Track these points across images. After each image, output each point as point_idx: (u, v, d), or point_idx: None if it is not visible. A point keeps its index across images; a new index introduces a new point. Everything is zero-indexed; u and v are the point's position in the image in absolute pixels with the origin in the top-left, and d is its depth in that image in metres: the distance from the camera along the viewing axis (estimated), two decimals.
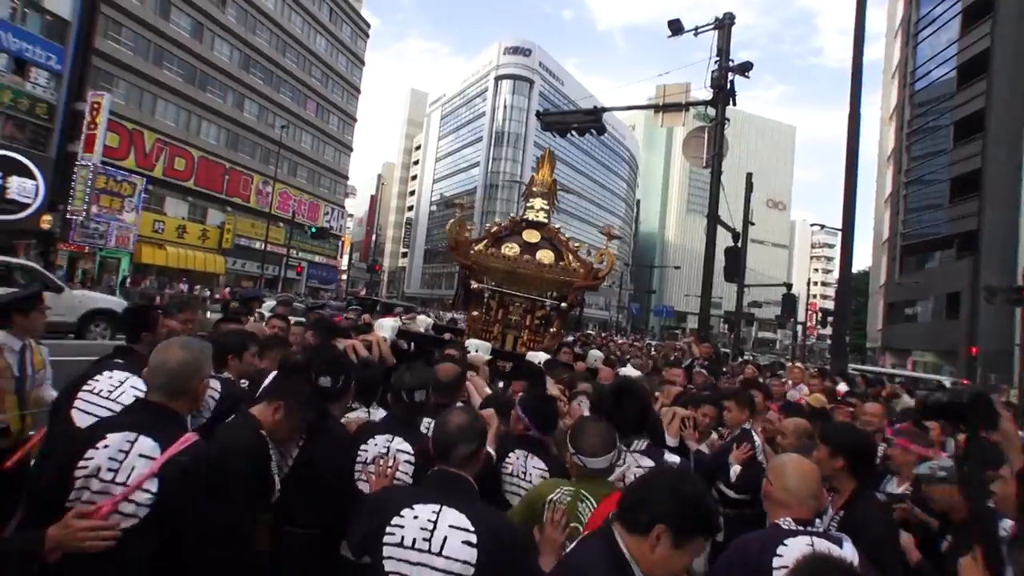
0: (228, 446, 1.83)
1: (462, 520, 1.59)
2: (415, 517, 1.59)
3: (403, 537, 1.57)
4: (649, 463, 2.37)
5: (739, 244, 14.20)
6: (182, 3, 33.53)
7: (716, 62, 11.90)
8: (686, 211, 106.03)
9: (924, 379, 19.46)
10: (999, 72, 28.81)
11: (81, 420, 2.12)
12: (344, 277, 56.25)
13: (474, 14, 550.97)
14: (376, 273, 59.86)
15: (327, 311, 11.47)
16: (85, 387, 2.25)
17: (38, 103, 23.83)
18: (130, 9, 29.94)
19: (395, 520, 1.60)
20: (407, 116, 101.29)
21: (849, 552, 1.66)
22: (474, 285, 5.28)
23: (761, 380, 6.64)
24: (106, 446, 1.51)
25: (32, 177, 23.06)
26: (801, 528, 1.72)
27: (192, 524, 1.51)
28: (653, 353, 11.43)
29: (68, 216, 25.07)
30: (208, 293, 28.78)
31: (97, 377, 2.30)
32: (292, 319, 5.17)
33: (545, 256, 5.32)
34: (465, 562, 1.54)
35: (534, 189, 5.67)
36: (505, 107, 72.15)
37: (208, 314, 8.60)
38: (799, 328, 41.34)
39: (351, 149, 52.99)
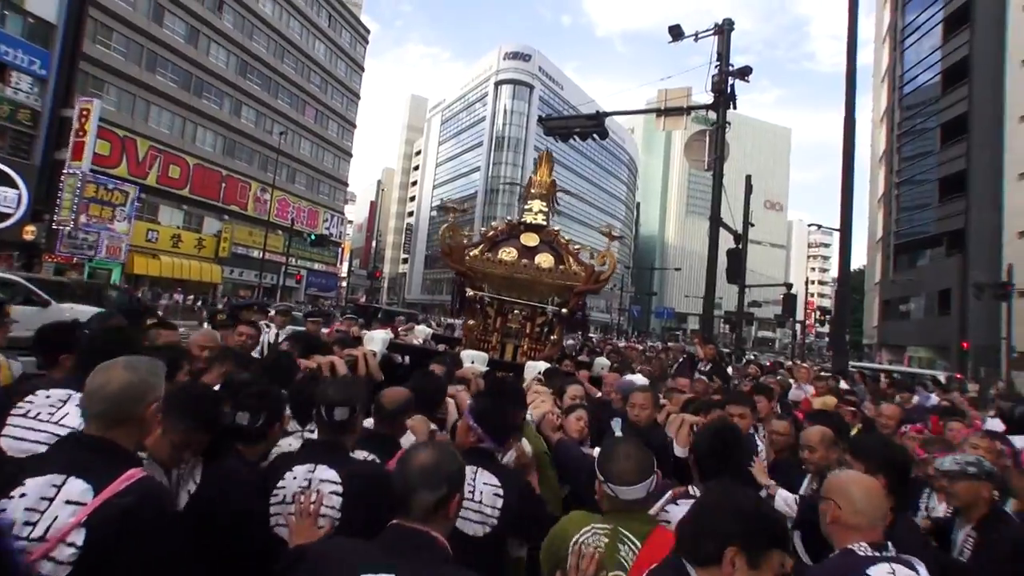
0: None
1: None
2: None
3: None
4: None
5: (741, 246, 14.19)
6: (176, 8, 33.30)
7: (716, 66, 11.99)
8: (685, 213, 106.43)
9: (919, 374, 19.42)
10: (979, 77, 30.00)
11: (15, 448, 1.77)
12: (344, 284, 56.00)
13: (474, 20, 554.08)
14: (377, 280, 59.63)
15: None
16: (16, 410, 1.86)
17: (20, 109, 23.17)
18: (121, 13, 29.68)
19: None
20: (407, 121, 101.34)
21: None
22: (469, 292, 5.03)
23: (768, 381, 6.42)
24: (23, 495, 1.26)
25: (13, 185, 22.26)
26: (878, 554, 1.56)
27: None
28: (660, 356, 11.24)
29: (54, 226, 24.37)
30: (200, 303, 28.47)
31: (30, 397, 1.90)
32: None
33: (544, 260, 5.07)
34: None
35: (532, 191, 5.44)
36: (505, 112, 72.30)
37: (205, 324, 8.34)
38: (798, 327, 41.56)
39: (351, 155, 52.83)
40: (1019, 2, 28.50)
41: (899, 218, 37.63)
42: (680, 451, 2.80)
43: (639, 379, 4.56)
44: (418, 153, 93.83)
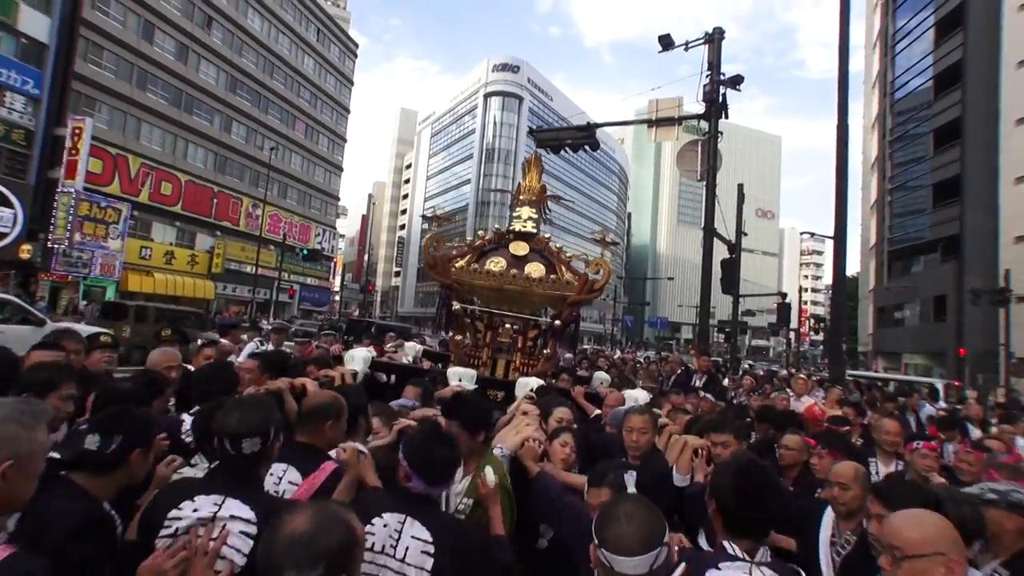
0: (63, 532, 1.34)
1: None
2: None
3: None
4: None
5: (734, 255, 14.07)
6: (166, 26, 33.31)
7: (707, 76, 11.94)
8: (677, 222, 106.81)
9: (916, 382, 19.35)
10: (973, 82, 29.99)
11: None
12: (337, 298, 55.68)
13: (462, 33, 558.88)
14: (369, 293, 59.33)
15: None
16: None
17: (14, 129, 23.23)
18: (112, 32, 29.68)
19: None
20: (397, 135, 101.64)
21: None
22: (456, 306, 4.80)
23: (776, 400, 6.23)
24: None
25: (9, 205, 22.34)
26: None
27: None
28: (652, 367, 10.98)
29: (49, 245, 24.42)
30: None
31: None
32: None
33: (535, 269, 4.82)
34: None
35: (521, 197, 5.19)
36: (495, 124, 72.46)
37: (199, 341, 8.11)
38: (792, 335, 41.41)
39: (341, 169, 52.78)
40: (1014, 4, 28.60)
41: (892, 224, 37.60)
42: (680, 479, 2.59)
43: (642, 395, 4.31)
44: (409, 166, 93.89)
